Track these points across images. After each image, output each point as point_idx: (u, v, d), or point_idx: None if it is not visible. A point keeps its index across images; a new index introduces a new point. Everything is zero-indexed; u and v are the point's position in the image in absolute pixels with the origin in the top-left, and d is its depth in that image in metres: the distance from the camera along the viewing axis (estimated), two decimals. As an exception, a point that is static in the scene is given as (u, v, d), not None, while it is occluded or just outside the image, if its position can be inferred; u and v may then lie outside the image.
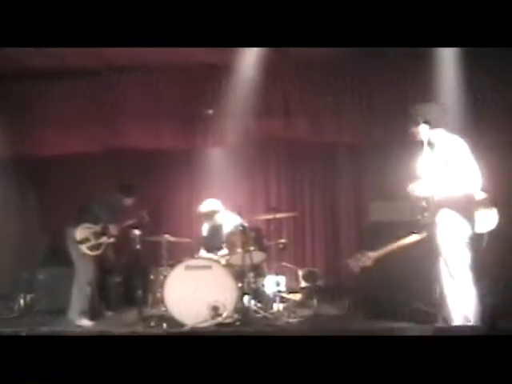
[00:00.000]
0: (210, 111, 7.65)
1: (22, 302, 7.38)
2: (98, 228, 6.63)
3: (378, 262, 5.70)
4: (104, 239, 6.67)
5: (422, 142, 5.11)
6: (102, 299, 7.10)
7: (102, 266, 6.97)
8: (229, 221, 7.00)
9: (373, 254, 5.62)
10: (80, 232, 6.56)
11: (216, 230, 7.18)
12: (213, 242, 7.08)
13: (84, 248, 6.54)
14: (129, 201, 6.94)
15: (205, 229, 7.34)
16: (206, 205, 7.16)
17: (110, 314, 7.11)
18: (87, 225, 6.61)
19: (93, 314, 6.65)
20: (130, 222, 6.84)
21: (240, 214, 6.41)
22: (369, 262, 5.64)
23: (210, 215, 7.14)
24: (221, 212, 7.15)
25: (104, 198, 6.84)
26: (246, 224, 6.49)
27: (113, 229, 6.69)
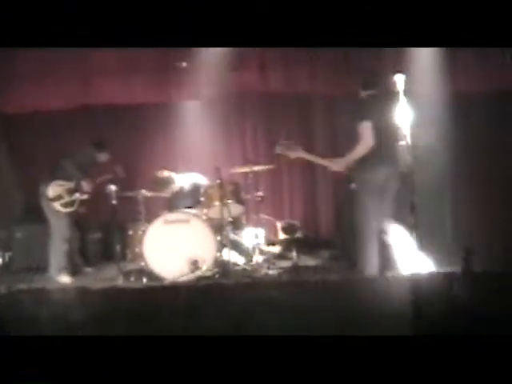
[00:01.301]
0: (184, 64, 7.53)
1: (0, 260, 7.34)
2: (70, 185, 6.58)
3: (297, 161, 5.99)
4: (77, 196, 6.62)
5: (397, 92, 5.13)
6: (81, 255, 7.08)
7: (78, 223, 6.92)
8: (188, 180, 6.99)
9: (303, 154, 5.83)
10: (52, 189, 6.51)
11: (177, 194, 7.06)
12: (179, 203, 6.95)
13: (57, 205, 6.50)
14: (102, 156, 6.85)
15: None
16: (159, 175, 7.00)
17: (89, 269, 7.09)
18: (59, 182, 6.56)
19: (72, 270, 6.64)
20: (105, 177, 6.78)
21: (217, 167, 6.37)
22: (292, 156, 5.84)
23: (163, 184, 6.98)
24: (175, 179, 7.03)
25: (76, 154, 6.73)
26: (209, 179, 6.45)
27: (86, 185, 6.64)
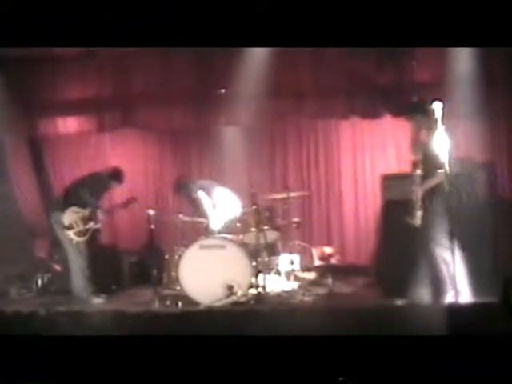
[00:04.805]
0: (223, 90, 7.61)
1: (39, 281, 7.43)
2: (85, 212, 6.51)
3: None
4: (91, 225, 6.57)
5: (436, 119, 5.13)
6: (117, 278, 7.12)
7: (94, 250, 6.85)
8: (224, 199, 6.99)
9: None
10: (68, 216, 6.44)
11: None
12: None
13: (71, 234, 6.44)
14: (116, 185, 6.87)
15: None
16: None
17: (125, 293, 7.14)
18: (75, 209, 6.47)
19: (105, 292, 6.70)
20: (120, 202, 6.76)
21: (253, 192, 6.40)
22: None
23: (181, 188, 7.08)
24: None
25: (92, 180, 6.71)
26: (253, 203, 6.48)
27: (100, 214, 6.61)
